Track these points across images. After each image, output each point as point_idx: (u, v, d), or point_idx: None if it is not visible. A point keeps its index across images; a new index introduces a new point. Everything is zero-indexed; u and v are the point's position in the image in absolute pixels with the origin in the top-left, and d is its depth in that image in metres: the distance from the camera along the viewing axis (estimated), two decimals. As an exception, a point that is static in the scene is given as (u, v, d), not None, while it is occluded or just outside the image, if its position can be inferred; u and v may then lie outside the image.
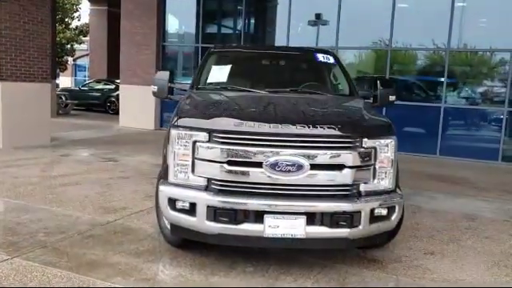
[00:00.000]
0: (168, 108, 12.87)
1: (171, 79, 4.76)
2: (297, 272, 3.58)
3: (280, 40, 11.21)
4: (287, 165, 3.25)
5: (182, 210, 3.45)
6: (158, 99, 12.23)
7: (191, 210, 3.40)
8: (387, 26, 10.22)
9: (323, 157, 3.30)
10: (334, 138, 3.34)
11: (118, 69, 13.24)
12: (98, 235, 4.19)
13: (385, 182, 3.51)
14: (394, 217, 3.53)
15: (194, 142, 3.39)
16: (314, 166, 3.28)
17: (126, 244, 4.01)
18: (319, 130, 3.32)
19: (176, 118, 3.56)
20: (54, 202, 5.19)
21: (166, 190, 3.49)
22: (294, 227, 3.27)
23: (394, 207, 3.52)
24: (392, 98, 4.80)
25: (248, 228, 3.30)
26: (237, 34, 12.61)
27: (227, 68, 4.70)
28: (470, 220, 5.29)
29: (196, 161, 3.40)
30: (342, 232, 3.35)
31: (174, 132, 3.47)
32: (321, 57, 5.00)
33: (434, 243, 4.42)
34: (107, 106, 17.70)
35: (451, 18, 9.71)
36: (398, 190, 3.62)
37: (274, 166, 3.26)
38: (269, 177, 3.28)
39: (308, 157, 3.27)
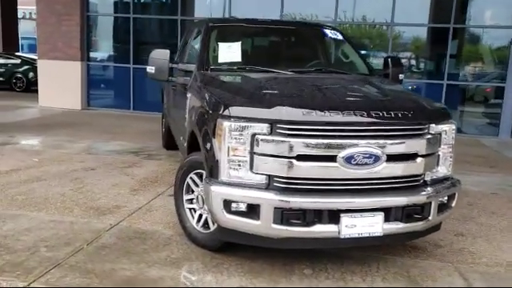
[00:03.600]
0: (96, 85, 11.73)
1: (171, 58, 4.15)
2: (357, 269, 3.34)
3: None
4: (364, 157, 2.95)
5: (240, 213, 3.00)
6: (84, 76, 11.14)
7: (252, 212, 2.97)
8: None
9: (399, 146, 3.04)
10: (409, 125, 3.10)
11: (14, 41, 11.68)
12: (113, 244, 3.57)
13: (445, 169, 3.37)
14: (454, 203, 3.42)
15: (253, 135, 2.93)
16: (389, 157, 3.01)
17: (152, 252, 3.46)
18: (394, 117, 3.05)
19: (223, 107, 3.05)
20: (28, 204, 4.36)
21: (220, 191, 3.00)
22: (371, 225, 3.00)
23: (455, 194, 3.40)
24: (401, 76, 4.68)
25: (321, 230, 2.97)
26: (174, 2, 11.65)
27: (237, 46, 4.19)
28: (464, 195, 5.43)
29: (255, 156, 2.95)
30: (416, 225, 3.16)
31: (225, 124, 2.97)
32: (330, 33, 4.67)
33: (452, 223, 4.42)
34: (13, 83, 15.71)
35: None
36: None
37: (349, 160, 2.93)
38: (343, 171, 2.95)
39: (384, 147, 2.99)
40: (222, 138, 2.98)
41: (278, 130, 2.91)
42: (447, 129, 3.29)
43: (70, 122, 9.48)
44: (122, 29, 11.52)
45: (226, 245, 3.41)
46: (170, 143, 6.93)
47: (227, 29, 4.63)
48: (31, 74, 15.44)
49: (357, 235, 2.99)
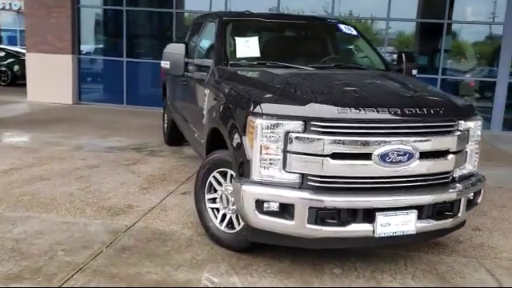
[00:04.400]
0: (88, 79, 11.48)
1: (187, 53, 4.03)
2: (386, 268, 3.31)
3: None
4: (398, 154, 2.90)
5: (272, 213, 2.93)
6: (75, 70, 10.89)
7: (285, 212, 2.90)
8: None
9: (431, 143, 3.00)
10: (441, 122, 3.05)
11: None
12: (132, 246, 3.46)
13: (472, 165, 3.34)
14: (479, 200, 3.40)
15: (286, 133, 2.85)
16: (422, 155, 2.97)
17: (175, 254, 3.36)
18: (427, 114, 3.00)
19: (254, 104, 2.96)
20: (35, 205, 4.21)
21: (252, 191, 2.91)
22: (405, 223, 2.96)
23: (481, 190, 3.38)
24: (415, 71, 4.65)
25: (356, 229, 2.91)
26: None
27: (254, 40, 4.09)
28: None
29: (288, 154, 2.87)
30: (446, 223, 3.14)
31: (258, 121, 2.88)
32: (344, 28, 4.60)
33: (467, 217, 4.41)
34: (-3, 76, 15.30)
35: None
36: None
37: (384, 157, 2.88)
38: (378, 169, 2.89)
39: (417, 144, 2.94)
40: (254, 136, 2.90)
41: (312, 128, 2.83)
42: (474, 125, 3.26)
43: (63, 117, 9.24)
44: (114, 21, 11.26)
45: (252, 245, 3.34)
46: (173, 139, 6.82)
47: (242, 23, 4.51)
48: (16, 68, 15.04)
49: (391, 234, 2.94)
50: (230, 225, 3.44)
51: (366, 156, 2.86)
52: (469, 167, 3.32)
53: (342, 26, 4.62)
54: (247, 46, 4.05)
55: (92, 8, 11.49)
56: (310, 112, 2.85)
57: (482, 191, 3.40)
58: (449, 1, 9.87)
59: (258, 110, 2.92)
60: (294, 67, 3.90)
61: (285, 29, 4.62)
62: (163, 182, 5.10)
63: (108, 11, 11.62)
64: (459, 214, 3.16)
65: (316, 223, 2.86)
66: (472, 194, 3.30)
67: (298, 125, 2.84)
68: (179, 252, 3.40)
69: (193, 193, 4.66)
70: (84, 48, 11.42)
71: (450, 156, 3.08)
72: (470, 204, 3.29)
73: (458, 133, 3.12)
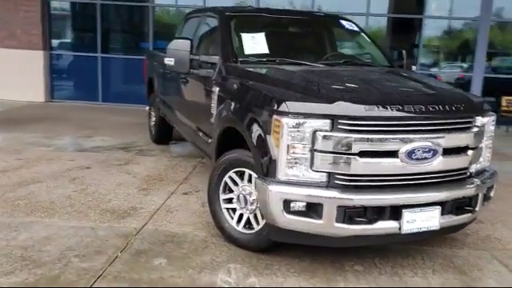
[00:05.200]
0: (60, 76, 11.07)
1: (192, 49, 3.93)
2: (405, 263, 3.36)
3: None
4: (424, 151, 2.92)
5: (300, 213, 2.89)
6: (47, 66, 10.50)
7: (313, 211, 2.87)
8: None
9: (453, 139, 3.05)
10: (461, 119, 3.10)
11: None
12: (148, 250, 3.36)
13: (486, 161, 3.42)
14: (493, 194, 3.48)
15: (314, 132, 2.82)
16: (444, 151, 3.01)
17: (194, 256, 3.29)
18: (449, 111, 3.04)
19: (279, 102, 2.91)
20: (34, 210, 4.02)
21: (280, 190, 2.87)
22: (429, 219, 2.99)
23: (493, 185, 3.46)
24: (414, 67, 4.72)
25: (383, 226, 2.92)
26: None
27: (261, 36, 4.03)
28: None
29: (315, 153, 2.84)
30: (465, 217, 3.20)
31: (284, 120, 2.83)
32: (347, 24, 4.61)
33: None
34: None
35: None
36: None
37: (410, 154, 2.89)
38: (404, 167, 2.91)
39: (440, 141, 2.98)
40: (280, 135, 2.85)
41: (339, 126, 2.81)
42: (488, 121, 3.33)
43: (40, 115, 8.88)
44: (87, 15, 10.87)
45: (271, 245, 3.30)
46: (161, 138, 6.68)
47: (246, 19, 4.44)
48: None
49: (416, 230, 2.97)
50: (248, 225, 3.39)
51: (393, 154, 2.87)
52: (483, 162, 3.39)
53: (344, 22, 4.62)
54: (254, 43, 3.98)
55: (63, 1, 11.07)
56: (337, 110, 2.83)
57: (495, 186, 3.47)
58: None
59: (283, 108, 2.87)
60: (304, 64, 3.86)
61: (289, 24, 4.57)
62: (161, 183, 4.98)
63: (81, 4, 11.20)
64: (477, 209, 3.22)
65: (344, 222, 2.85)
66: (486, 189, 3.37)
67: (325, 123, 2.82)
68: (197, 254, 3.32)
69: (195, 193, 4.66)
70: (56, 43, 11.00)
71: (470, 152, 3.13)
72: (485, 198, 3.36)
73: (476, 129, 3.18)
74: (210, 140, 4.03)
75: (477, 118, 3.20)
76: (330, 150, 2.82)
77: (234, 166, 3.39)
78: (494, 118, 3.39)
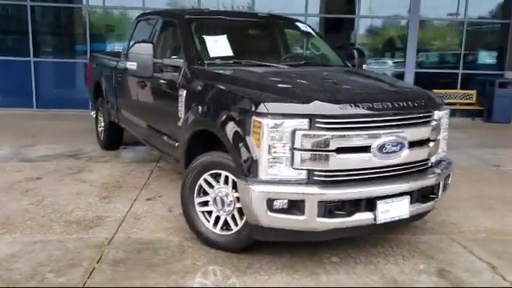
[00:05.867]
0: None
1: (155, 53, 3.90)
2: (375, 251, 3.54)
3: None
4: (393, 145, 3.11)
5: (282, 210, 2.98)
6: None
7: (295, 208, 2.97)
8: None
9: (417, 133, 3.27)
10: (423, 113, 3.32)
11: None
12: (125, 259, 3.29)
13: (443, 151, 3.68)
14: (450, 181, 3.76)
15: (293, 131, 2.91)
16: (410, 144, 3.22)
17: (174, 262, 3.27)
18: (413, 106, 3.25)
19: (258, 104, 2.97)
20: (-9, 226, 3.79)
21: (263, 190, 2.93)
22: (400, 209, 3.19)
23: (450, 173, 3.74)
24: (364, 66, 4.97)
25: (360, 218, 3.07)
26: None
27: (223, 39, 4.06)
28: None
29: (295, 152, 2.94)
30: (429, 205, 3.44)
31: (264, 121, 2.90)
32: (302, 26, 4.74)
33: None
34: None
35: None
36: None
37: (381, 149, 3.07)
38: (377, 160, 3.08)
39: (406, 134, 3.18)
40: (261, 135, 2.91)
41: (317, 125, 2.92)
42: (444, 115, 3.59)
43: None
44: (18, 18, 10.27)
45: (250, 245, 3.36)
46: (110, 143, 6.50)
47: (206, 22, 4.43)
48: None
49: (390, 219, 3.15)
50: (225, 227, 3.42)
51: (366, 149, 3.03)
52: (441, 153, 3.65)
53: (299, 25, 4.76)
54: (218, 46, 4.01)
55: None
56: (314, 110, 2.94)
57: (451, 174, 3.75)
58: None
59: (263, 109, 2.94)
60: (268, 65, 3.95)
61: (248, 27, 4.63)
62: (121, 189, 4.86)
63: (10, 6, 10.55)
64: (439, 196, 3.47)
65: (324, 216, 2.97)
66: (445, 177, 3.63)
67: (303, 122, 2.91)
68: (177, 260, 3.30)
69: (158, 198, 4.61)
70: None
71: (431, 144, 3.37)
72: (444, 186, 3.62)
73: (435, 122, 3.42)
74: (176, 143, 4.00)
75: (435, 112, 3.44)
76: (309, 147, 2.93)
77: (209, 169, 3.40)
78: (448, 111, 3.65)
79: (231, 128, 3.12)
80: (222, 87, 3.38)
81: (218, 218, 3.44)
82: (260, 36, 4.72)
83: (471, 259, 3.47)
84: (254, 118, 2.95)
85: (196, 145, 3.65)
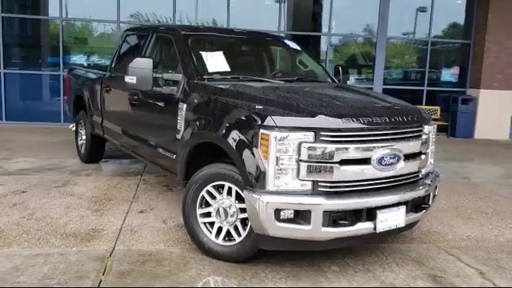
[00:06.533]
0: None
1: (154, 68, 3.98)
2: (371, 260, 3.70)
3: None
4: (390, 158, 3.30)
5: (289, 220, 3.10)
6: None
7: (301, 218, 3.10)
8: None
9: (411, 146, 3.47)
10: (415, 128, 3.54)
11: None
12: (130, 270, 3.31)
13: (431, 164, 3.91)
14: (437, 192, 3.98)
15: (300, 144, 3.06)
16: (405, 157, 3.42)
17: (180, 273, 3.32)
18: (407, 121, 3.46)
19: (265, 118, 3.10)
20: (-14, 240, 3.73)
21: (271, 200, 3.05)
22: (397, 218, 3.37)
23: (437, 184, 3.97)
24: (348, 82, 5.19)
25: (362, 227, 3.23)
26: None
27: (220, 55, 4.18)
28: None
29: (301, 163, 3.08)
30: (421, 214, 3.64)
31: (272, 134, 3.04)
32: (291, 44, 4.92)
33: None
34: None
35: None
36: None
37: (380, 161, 3.25)
38: (376, 172, 3.26)
39: (402, 148, 3.38)
40: (269, 148, 3.04)
41: (321, 138, 3.08)
42: (432, 129, 3.83)
43: None
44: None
45: (253, 255, 3.44)
46: (92, 156, 6.45)
47: (201, 38, 4.52)
48: None
49: (388, 228, 3.32)
50: (227, 237, 3.50)
51: (367, 161, 3.21)
52: (429, 166, 3.88)
53: (288, 42, 4.93)
54: (215, 61, 4.12)
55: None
56: (319, 123, 3.10)
57: (438, 185, 3.98)
58: (328, 15, 10.90)
59: (271, 123, 3.07)
60: (264, 81, 4.09)
61: (241, 44, 4.76)
62: (111, 203, 4.85)
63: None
64: (429, 206, 3.68)
65: (329, 226, 3.11)
66: (434, 188, 3.85)
67: (309, 135, 3.06)
68: (182, 270, 3.35)
69: (150, 211, 4.64)
70: None
71: (422, 156, 3.59)
72: (434, 197, 3.84)
73: (425, 136, 3.65)
74: (174, 156, 4.06)
75: (425, 126, 3.67)
76: (314, 159, 3.07)
77: (212, 180, 3.49)
78: (435, 126, 3.89)
79: (238, 140, 3.23)
80: (227, 101, 3.48)
81: (219, 229, 3.52)
82: (253, 52, 4.87)
83: (460, 266, 3.68)
84: (261, 130, 3.07)
85: (196, 157, 3.73)
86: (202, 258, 3.54)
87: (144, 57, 4.08)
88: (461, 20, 12.01)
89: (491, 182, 6.58)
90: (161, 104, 4.24)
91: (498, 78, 11.13)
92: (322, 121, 3.11)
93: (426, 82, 11.67)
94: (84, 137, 6.53)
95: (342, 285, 3.27)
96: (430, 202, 3.71)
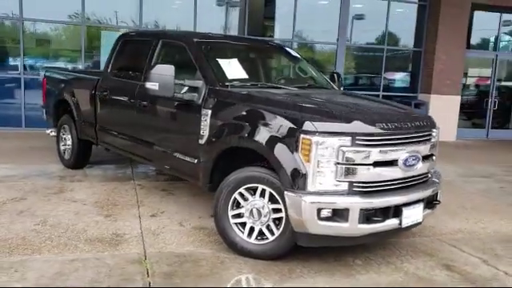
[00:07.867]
0: None
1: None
2: (388, 254, 4.00)
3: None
4: (413, 159, 3.63)
5: (328, 219, 3.34)
6: None
7: (339, 216, 3.34)
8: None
9: (426, 148, 3.82)
10: (429, 131, 3.90)
11: None
12: (174, 272, 3.40)
13: (435, 164, 4.29)
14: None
15: (339, 147, 3.31)
16: (422, 158, 3.76)
17: (222, 272, 3.46)
18: (423, 126, 3.82)
19: (304, 123, 3.32)
20: (13, 248, 3.66)
21: (314, 200, 3.27)
22: (417, 214, 3.70)
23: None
24: (342, 88, 5.53)
25: (390, 223, 3.52)
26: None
27: (235, 62, 4.34)
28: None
29: (339, 166, 3.33)
30: (432, 211, 4.00)
31: (314, 139, 3.27)
32: (292, 52, 5.16)
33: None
34: None
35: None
36: None
37: (405, 162, 3.57)
38: (402, 172, 3.57)
39: (421, 149, 3.73)
40: (310, 151, 3.26)
41: (357, 142, 3.34)
42: (437, 133, 4.21)
43: None
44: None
45: (286, 253, 3.64)
46: (80, 162, 6.34)
47: (214, 45, 4.63)
48: None
49: (410, 223, 3.65)
50: (259, 236, 3.67)
51: (395, 162, 3.52)
52: (434, 166, 4.25)
53: (290, 50, 5.17)
54: (232, 68, 4.27)
55: None
56: (356, 128, 3.37)
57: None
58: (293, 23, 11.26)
59: (311, 128, 3.29)
60: (280, 87, 4.30)
61: (250, 51, 4.92)
62: (117, 207, 4.84)
63: None
64: (440, 202, 4.06)
65: (363, 222, 3.38)
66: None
67: (346, 140, 3.32)
68: (221, 269, 3.49)
69: (161, 214, 4.72)
70: None
71: (434, 158, 3.96)
72: (437, 194, 4.23)
73: (434, 139, 4.02)
74: (195, 160, 4.16)
75: (433, 130, 4.05)
76: (351, 162, 3.33)
77: (245, 183, 3.65)
78: (439, 130, 4.29)
79: (277, 145, 3.42)
80: (260, 107, 3.65)
81: (251, 229, 3.69)
82: (262, 59, 5.04)
83: (464, 256, 4.09)
84: (302, 135, 3.29)
85: (222, 162, 3.88)
86: (236, 257, 3.69)
87: (164, 63, 4.13)
88: (413, 29, 12.82)
89: (458, 181, 7.18)
90: (179, 110, 4.32)
91: (447, 84, 12.03)
92: (357, 126, 3.38)
93: (381, 86, 12.34)
94: (69, 142, 6.38)
95: (372, 275, 3.54)
96: (438, 199, 4.07)
